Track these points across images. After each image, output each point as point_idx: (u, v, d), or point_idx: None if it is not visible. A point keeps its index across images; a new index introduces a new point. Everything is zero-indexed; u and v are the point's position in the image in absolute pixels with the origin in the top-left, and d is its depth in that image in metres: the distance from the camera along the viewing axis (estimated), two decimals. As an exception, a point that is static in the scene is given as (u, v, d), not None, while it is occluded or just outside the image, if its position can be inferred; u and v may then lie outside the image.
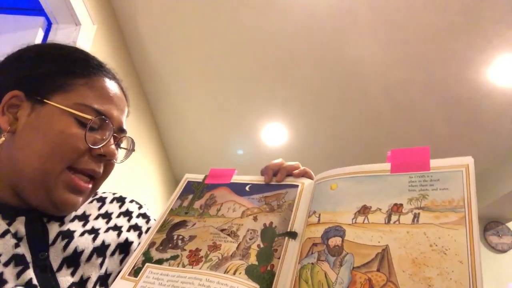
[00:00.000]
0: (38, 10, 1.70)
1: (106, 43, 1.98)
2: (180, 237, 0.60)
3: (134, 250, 0.62)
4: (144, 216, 0.71)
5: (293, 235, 0.53)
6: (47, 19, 1.66)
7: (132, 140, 0.67)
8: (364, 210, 0.46)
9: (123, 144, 0.66)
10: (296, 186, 0.62)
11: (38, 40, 1.62)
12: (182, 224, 0.63)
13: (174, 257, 0.56)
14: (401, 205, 0.44)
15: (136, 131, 2.56)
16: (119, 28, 2.16)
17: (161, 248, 0.59)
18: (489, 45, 2.09)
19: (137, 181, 2.69)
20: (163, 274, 0.53)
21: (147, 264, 0.56)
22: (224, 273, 0.50)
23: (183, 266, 0.54)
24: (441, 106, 2.59)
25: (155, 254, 0.58)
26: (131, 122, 2.48)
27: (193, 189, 0.70)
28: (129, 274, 0.55)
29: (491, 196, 3.27)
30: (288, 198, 0.60)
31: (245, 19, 2.07)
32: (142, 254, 0.58)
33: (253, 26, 2.10)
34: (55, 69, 0.59)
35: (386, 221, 0.43)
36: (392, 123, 2.77)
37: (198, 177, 0.73)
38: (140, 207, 0.72)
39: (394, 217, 0.43)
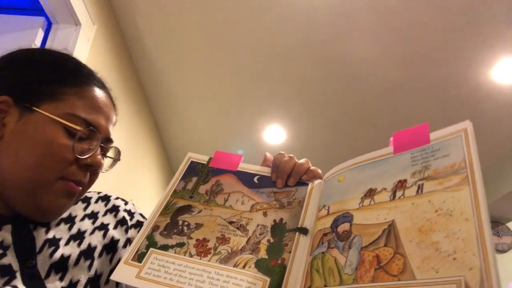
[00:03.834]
0: (38, 10, 1.70)
1: (106, 43, 1.98)
2: (186, 223, 0.59)
3: (122, 247, 0.62)
4: (129, 213, 0.70)
5: (304, 231, 0.53)
6: (47, 19, 1.66)
7: (118, 150, 0.67)
8: (370, 193, 0.46)
9: (109, 153, 0.65)
10: (307, 184, 0.62)
11: (38, 40, 1.62)
12: (187, 209, 0.62)
13: (180, 245, 0.55)
14: (405, 180, 0.43)
15: (136, 131, 2.55)
16: (119, 28, 2.16)
17: (165, 233, 0.58)
18: (490, 45, 2.09)
19: (136, 181, 2.69)
20: (169, 262, 0.52)
21: (151, 249, 0.55)
22: (234, 266, 0.50)
23: (190, 255, 0.53)
24: (441, 106, 2.60)
25: (160, 239, 0.56)
26: (131, 123, 2.47)
27: (197, 171, 0.68)
28: (133, 259, 0.54)
29: (491, 196, 3.26)
30: (298, 196, 0.60)
31: (245, 19, 2.07)
32: (145, 238, 0.57)
33: (253, 27, 2.11)
34: (46, 77, 0.58)
35: (391, 198, 0.43)
36: (392, 123, 2.77)
37: (202, 158, 0.71)
38: (126, 203, 0.72)
39: (398, 193, 0.42)
